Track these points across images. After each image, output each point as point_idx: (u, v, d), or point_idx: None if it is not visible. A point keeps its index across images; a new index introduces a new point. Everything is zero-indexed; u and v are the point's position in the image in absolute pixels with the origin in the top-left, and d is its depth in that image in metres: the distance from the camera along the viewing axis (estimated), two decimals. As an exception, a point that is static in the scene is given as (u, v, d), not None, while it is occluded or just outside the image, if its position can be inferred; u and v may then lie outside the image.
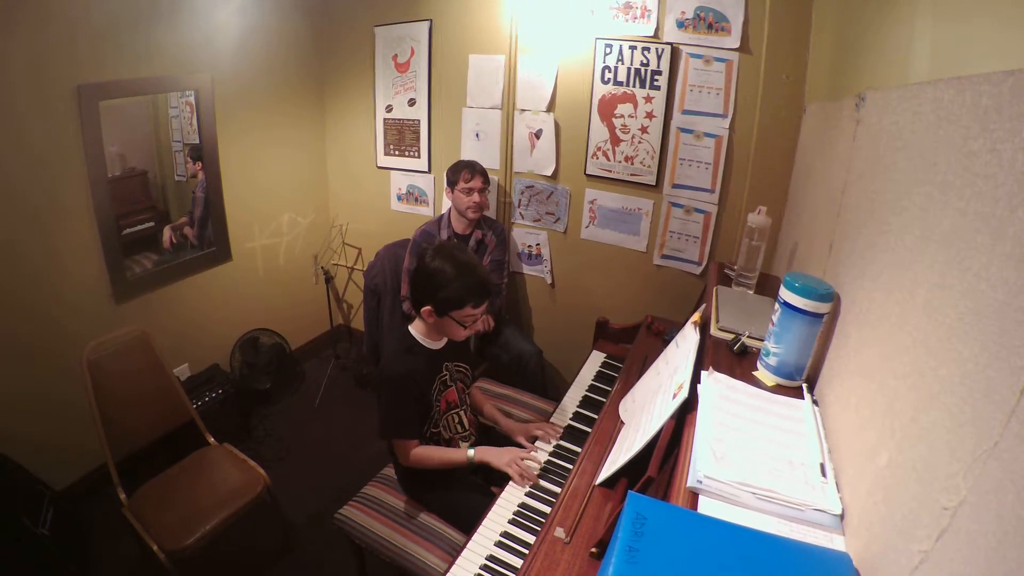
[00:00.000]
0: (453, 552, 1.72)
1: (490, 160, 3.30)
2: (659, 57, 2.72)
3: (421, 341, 1.97)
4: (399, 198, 3.80)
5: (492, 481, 2.00)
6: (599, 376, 2.42)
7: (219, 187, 3.26)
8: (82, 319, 2.67)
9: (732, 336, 1.63)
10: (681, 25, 2.63)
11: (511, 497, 1.79)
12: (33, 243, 2.48)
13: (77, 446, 2.65)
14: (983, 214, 0.72)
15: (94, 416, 2.23)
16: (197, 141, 3.10)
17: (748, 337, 1.60)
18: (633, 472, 1.47)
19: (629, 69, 2.80)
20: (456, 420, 2.07)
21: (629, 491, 0.99)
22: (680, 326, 1.90)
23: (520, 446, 2.04)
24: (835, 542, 0.95)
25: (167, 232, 3.11)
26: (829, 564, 0.88)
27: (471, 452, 1.95)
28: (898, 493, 0.82)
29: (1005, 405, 0.60)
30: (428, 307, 1.86)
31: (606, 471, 1.61)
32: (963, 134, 0.82)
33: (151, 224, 3.02)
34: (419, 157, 3.60)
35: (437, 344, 2.00)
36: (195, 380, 3.19)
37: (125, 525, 2.19)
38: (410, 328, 2.00)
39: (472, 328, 1.94)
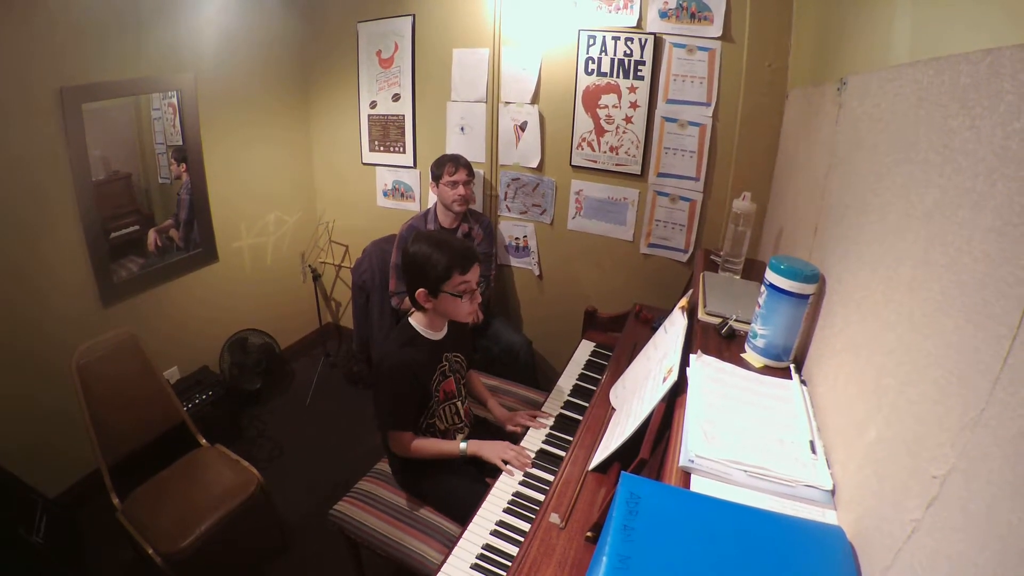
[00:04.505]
0: (449, 543, 1.73)
1: (475, 153, 3.30)
2: (642, 47, 2.73)
3: (422, 332, 1.98)
4: (385, 194, 3.79)
5: (486, 472, 2.01)
6: (589, 365, 2.43)
7: (204, 188, 3.24)
8: (70, 324, 2.65)
9: (720, 320, 1.65)
10: (664, 15, 2.64)
11: (505, 486, 1.80)
12: (19, 248, 2.45)
13: (69, 452, 2.63)
14: (964, 189, 0.74)
15: (85, 421, 2.21)
16: (181, 143, 3.08)
17: (735, 321, 1.62)
18: (626, 457, 1.49)
19: (612, 60, 2.81)
20: (452, 411, 2.09)
21: (622, 472, 1.00)
22: (668, 313, 1.91)
23: (510, 435, 2.07)
24: (827, 516, 0.97)
25: (152, 235, 3.08)
26: (822, 538, 0.90)
27: (463, 445, 1.97)
28: (888, 466, 0.83)
29: (990, 373, 0.62)
30: (422, 290, 1.87)
31: (599, 456, 1.62)
32: (943, 113, 0.84)
33: (136, 227, 3.00)
34: (404, 152, 3.60)
35: (438, 335, 2.01)
36: (185, 382, 3.18)
37: (120, 530, 2.18)
38: (410, 320, 2.00)
39: (471, 301, 1.92)
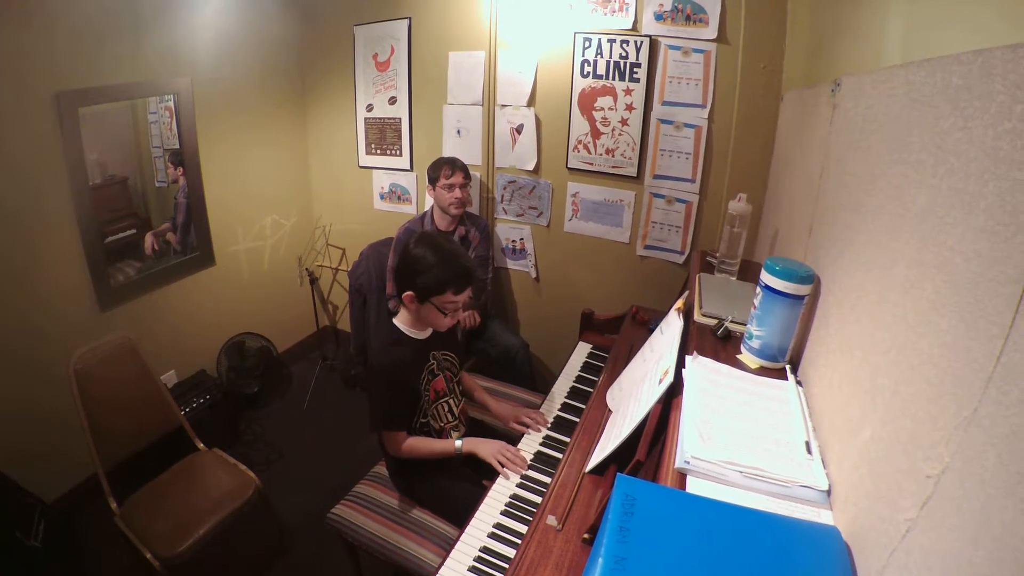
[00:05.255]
0: (447, 546, 1.73)
1: (472, 156, 3.30)
2: (638, 50, 2.73)
3: (407, 332, 1.98)
4: (382, 197, 3.79)
5: (483, 474, 2.01)
6: (586, 367, 2.43)
7: (201, 192, 3.24)
8: (67, 328, 2.65)
9: (715, 321, 1.65)
10: (659, 17, 2.65)
11: (502, 489, 1.80)
12: (16, 252, 2.46)
13: (66, 457, 2.63)
14: (956, 189, 0.74)
15: (83, 425, 2.21)
16: (177, 146, 3.08)
17: (731, 322, 1.62)
18: (622, 459, 1.49)
19: (608, 62, 2.82)
20: (446, 409, 2.09)
21: (618, 473, 1.00)
22: (664, 314, 1.92)
23: (509, 434, 2.07)
24: (823, 517, 0.97)
25: (149, 239, 3.08)
26: (818, 538, 0.90)
27: (459, 443, 1.97)
28: (882, 465, 0.83)
29: (983, 372, 0.62)
30: (410, 293, 1.87)
31: (595, 458, 1.62)
32: (935, 114, 0.84)
33: (133, 231, 2.99)
34: (401, 155, 3.60)
35: (423, 334, 2.01)
36: (182, 386, 3.17)
37: (118, 534, 2.17)
38: (395, 320, 2.01)
39: (454, 317, 1.94)
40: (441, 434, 2.08)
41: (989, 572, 0.55)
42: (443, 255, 1.84)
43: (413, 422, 2.02)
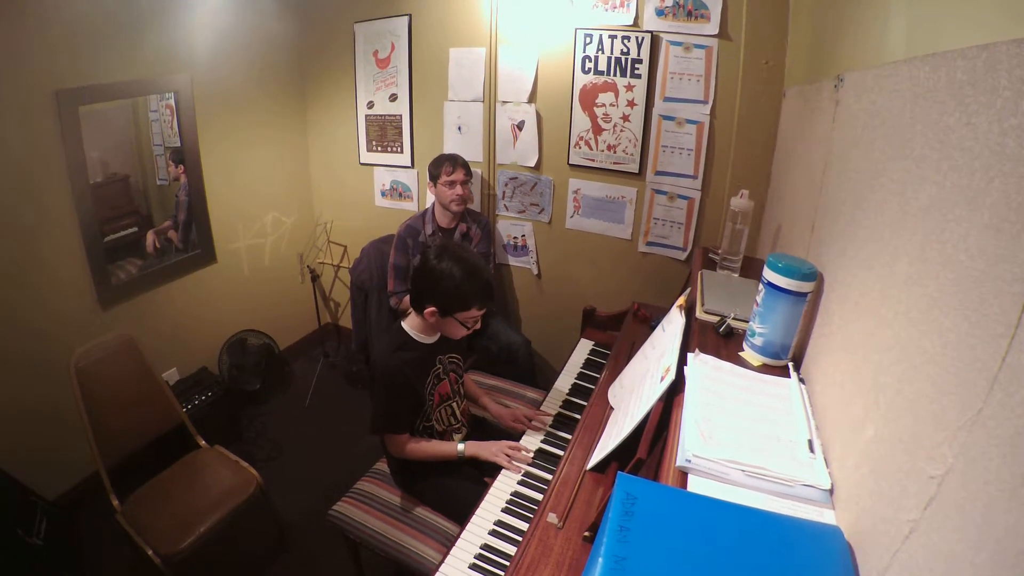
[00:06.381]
0: (448, 543, 1.73)
1: (473, 153, 3.29)
2: (639, 45, 2.72)
3: (415, 337, 1.97)
4: (383, 194, 3.79)
5: (485, 472, 2.01)
6: (587, 363, 2.43)
7: (202, 189, 3.24)
8: (68, 326, 2.65)
9: (718, 319, 1.64)
10: (661, 13, 2.64)
11: (503, 486, 1.80)
12: (17, 251, 2.46)
13: (68, 454, 2.64)
14: (960, 186, 0.73)
15: (84, 423, 2.21)
16: (178, 144, 3.08)
17: (733, 319, 1.61)
18: (624, 456, 1.49)
19: (609, 58, 2.80)
20: (449, 412, 2.08)
21: (619, 472, 1.00)
22: (666, 311, 1.91)
23: (510, 432, 2.07)
24: (825, 516, 0.96)
25: (151, 236, 3.08)
26: (820, 538, 0.89)
27: (461, 447, 1.96)
28: (885, 465, 0.83)
29: (988, 372, 0.61)
30: (432, 308, 1.85)
31: (596, 456, 1.62)
32: (939, 109, 0.83)
33: (134, 229, 3.00)
34: (402, 152, 3.59)
35: (431, 339, 1.99)
36: (184, 383, 3.18)
37: (119, 531, 2.17)
38: (403, 324, 1.99)
39: (472, 328, 1.94)
40: (444, 436, 2.08)
41: (991, 575, 0.55)
42: (469, 270, 1.82)
43: (416, 425, 2.02)
